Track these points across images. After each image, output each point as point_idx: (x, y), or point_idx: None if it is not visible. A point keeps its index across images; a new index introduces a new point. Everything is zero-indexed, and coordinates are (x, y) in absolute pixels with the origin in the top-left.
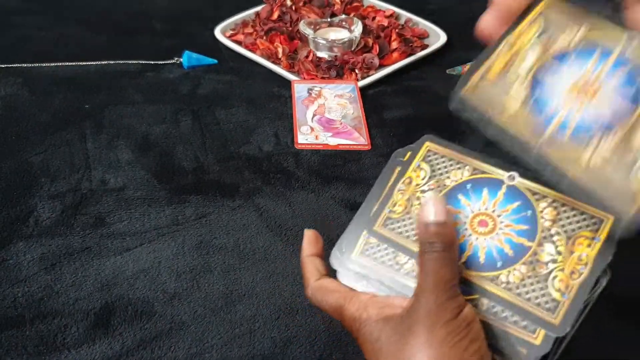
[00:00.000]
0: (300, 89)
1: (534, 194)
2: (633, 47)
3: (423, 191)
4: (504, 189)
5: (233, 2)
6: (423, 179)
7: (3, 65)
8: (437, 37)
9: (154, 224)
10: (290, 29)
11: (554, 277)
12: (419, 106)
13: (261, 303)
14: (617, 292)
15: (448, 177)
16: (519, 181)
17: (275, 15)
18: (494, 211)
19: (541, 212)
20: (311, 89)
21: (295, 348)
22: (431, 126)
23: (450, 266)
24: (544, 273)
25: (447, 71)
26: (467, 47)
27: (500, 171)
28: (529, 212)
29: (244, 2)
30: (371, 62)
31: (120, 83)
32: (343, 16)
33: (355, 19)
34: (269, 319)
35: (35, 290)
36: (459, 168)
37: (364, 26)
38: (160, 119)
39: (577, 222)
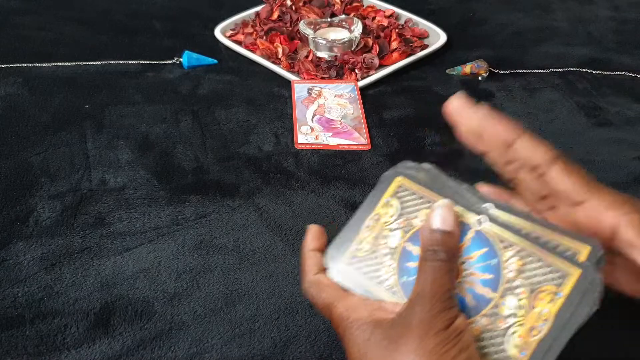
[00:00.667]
0: (300, 89)
1: (502, 241)
2: (482, 225)
3: (391, 229)
4: (471, 233)
5: (233, 2)
6: (392, 216)
7: (3, 65)
8: (437, 37)
9: (154, 223)
10: (290, 29)
11: (513, 333)
12: (419, 106)
13: (261, 303)
14: None
15: (416, 217)
16: (487, 225)
17: (275, 15)
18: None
19: (506, 261)
20: (311, 89)
21: (295, 348)
22: (431, 126)
23: (450, 276)
24: (502, 327)
25: (447, 71)
26: (467, 47)
27: (469, 214)
28: (494, 261)
29: (244, 2)
30: (371, 62)
31: (120, 83)
32: (343, 16)
33: (355, 19)
34: (269, 319)
35: (35, 290)
36: (429, 207)
37: (364, 26)
38: (160, 119)
39: (543, 274)
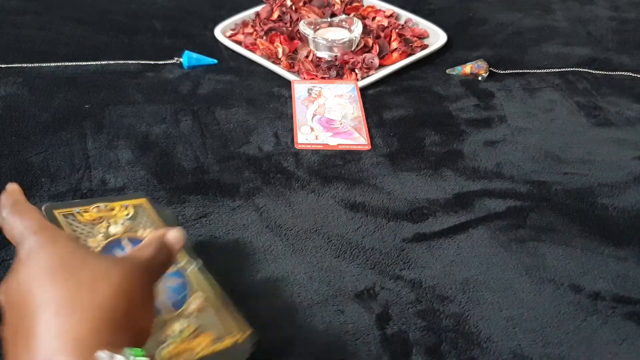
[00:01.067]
0: (300, 89)
1: (198, 283)
2: (190, 268)
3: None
4: (175, 268)
5: (233, 2)
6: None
7: (3, 65)
8: (437, 37)
9: None
10: (290, 29)
11: (165, 347)
12: (419, 106)
13: (261, 303)
14: None
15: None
16: (195, 270)
17: (275, 15)
18: None
19: (192, 298)
20: (311, 89)
21: (295, 348)
22: (431, 126)
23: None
24: (161, 338)
25: (447, 71)
26: (467, 47)
27: (187, 256)
28: (183, 293)
29: (244, 2)
30: (371, 62)
31: (120, 83)
32: (343, 16)
33: (355, 19)
34: (269, 318)
35: None
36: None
37: (364, 26)
38: (160, 119)
39: (213, 323)
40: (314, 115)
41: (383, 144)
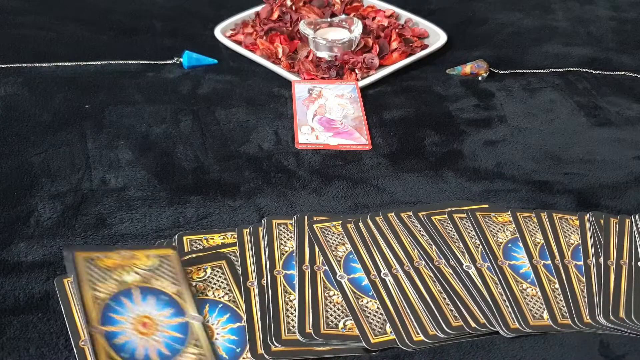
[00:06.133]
0: (300, 89)
1: (196, 339)
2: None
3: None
4: (182, 319)
5: (233, 2)
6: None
7: (3, 65)
8: (437, 37)
9: (155, 225)
10: (290, 29)
11: None
12: (419, 106)
13: None
14: None
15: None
16: (198, 323)
17: (275, 15)
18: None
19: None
20: (311, 89)
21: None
22: (431, 126)
23: None
24: None
25: (447, 71)
26: (467, 47)
27: (193, 306)
28: (181, 347)
29: (244, 2)
30: (371, 62)
31: (120, 83)
32: (343, 16)
33: (355, 19)
34: None
35: (37, 292)
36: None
37: (364, 26)
38: (160, 119)
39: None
40: (315, 115)
41: (383, 144)
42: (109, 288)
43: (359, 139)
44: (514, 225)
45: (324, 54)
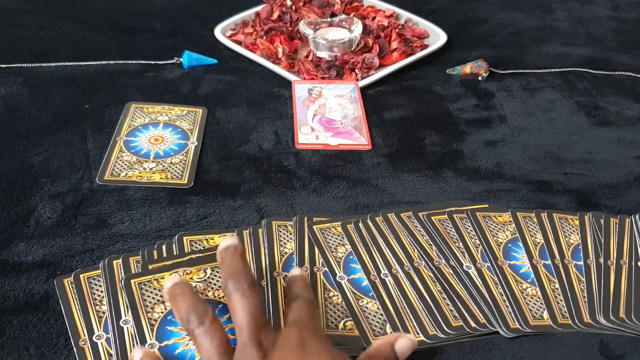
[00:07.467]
0: (300, 89)
1: None
2: None
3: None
4: None
5: (233, 2)
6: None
7: (3, 65)
8: (437, 37)
9: (155, 225)
10: (290, 29)
11: None
12: (419, 106)
13: None
14: None
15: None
16: None
17: (275, 15)
18: None
19: None
20: (311, 89)
21: None
22: (431, 126)
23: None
24: None
25: (447, 71)
26: (467, 47)
27: None
28: None
29: (244, 2)
30: (371, 62)
31: (120, 83)
32: (343, 16)
33: (355, 19)
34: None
35: (37, 292)
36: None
37: (364, 26)
38: None
39: None
40: (315, 115)
41: (383, 144)
42: (163, 308)
43: (359, 139)
44: (514, 225)
45: (324, 54)
